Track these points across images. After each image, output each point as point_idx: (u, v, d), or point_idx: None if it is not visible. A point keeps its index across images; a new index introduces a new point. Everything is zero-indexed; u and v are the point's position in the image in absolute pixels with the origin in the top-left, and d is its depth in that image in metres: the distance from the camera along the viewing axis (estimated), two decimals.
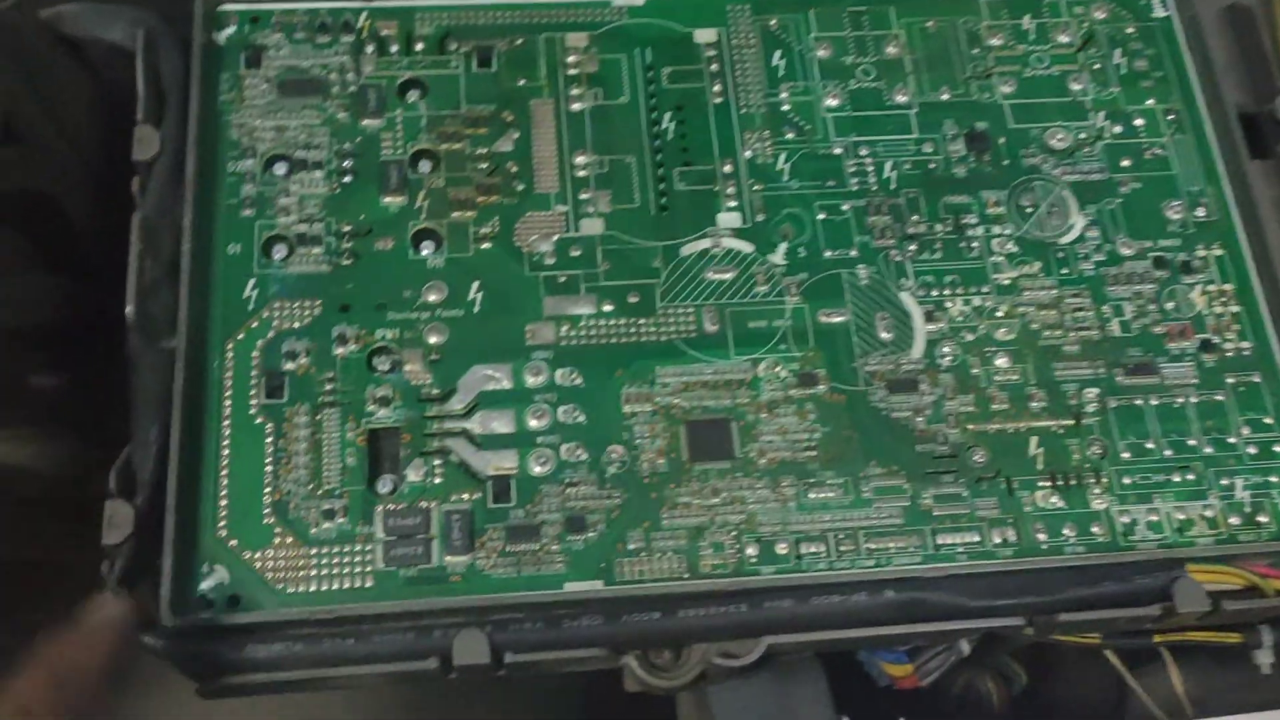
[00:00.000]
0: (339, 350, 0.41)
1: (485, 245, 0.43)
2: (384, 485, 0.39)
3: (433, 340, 0.42)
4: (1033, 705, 0.54)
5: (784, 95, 0.47)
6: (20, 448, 0.59)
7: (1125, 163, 0.46)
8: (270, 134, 0.44)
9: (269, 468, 0.39)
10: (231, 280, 0.42)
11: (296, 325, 0.41)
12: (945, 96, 0.47)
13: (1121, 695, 0.57)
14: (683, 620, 0.37)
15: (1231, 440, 0.42)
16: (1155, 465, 0.42)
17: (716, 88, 0.47)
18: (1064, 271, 0.44)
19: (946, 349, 0.43)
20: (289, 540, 0.38)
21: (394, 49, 0.46)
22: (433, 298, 0.42)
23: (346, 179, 0.44)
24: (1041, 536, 0.40)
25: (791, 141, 0.46)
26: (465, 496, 0.39)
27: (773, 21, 0.48)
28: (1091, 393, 0.42)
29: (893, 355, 0.43)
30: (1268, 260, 0.44)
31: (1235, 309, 0.44)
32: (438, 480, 0.40)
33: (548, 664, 0.38)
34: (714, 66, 0.47)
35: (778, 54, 0.47)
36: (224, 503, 0.39)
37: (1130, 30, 0.49)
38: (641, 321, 0.42)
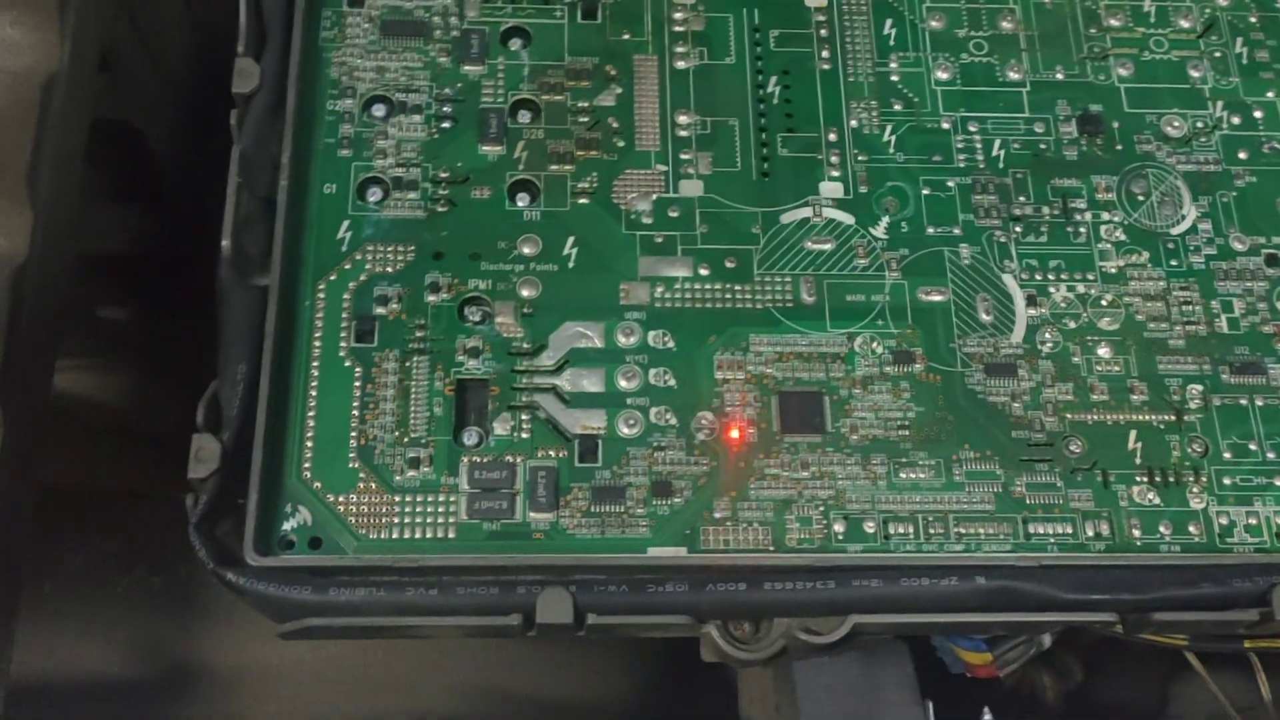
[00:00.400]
0: (430, 298, 0.40)
1: (582, 200, 0.42)
2: (470, 437, 0.39)
3: (525, 294, 0.41)
4: (1079, 704, 0.53)
5: (893, 65, 0.45)
6: (87, 377, 0.59)
7: (1242, 155, 0.45)
8: (371, 74, 0.43)
9: (355, 412, 0.39)
10: (326, 220, 0.41)
11: (389, 270, 0.41)
12: (1059, 76, 0.46)
13: (1163, 700, 0.56)
14: (769, 593, 0.37)
15: None
16: (1257, 467, 0.40)
17: (824, 53, 0.45)
18: (1173, 263, 0.43)
19: (1048, 335, 0.42)
20: (373, 486, 0.38)
21: None
22: (527, 250, 0.41)
23: (445, 124, 0.43)
24: (1136, 533, 0.39)
25: (899, 113, 0.45)
26: (552, 454, 0.39)
27: None
28: (1195, 389, 0.41)
29: (992, 338, 0.42)
30: None
31: None
32: (524, 435, 0.39)
33: (628, 628, 0.37)
34: (823, 32, 0.46)
35: (889, 22, 0.46)
36: (309, 445, 0.38)
37: (1253, 20, 0.47)
38: (738, 288, 0.42)
